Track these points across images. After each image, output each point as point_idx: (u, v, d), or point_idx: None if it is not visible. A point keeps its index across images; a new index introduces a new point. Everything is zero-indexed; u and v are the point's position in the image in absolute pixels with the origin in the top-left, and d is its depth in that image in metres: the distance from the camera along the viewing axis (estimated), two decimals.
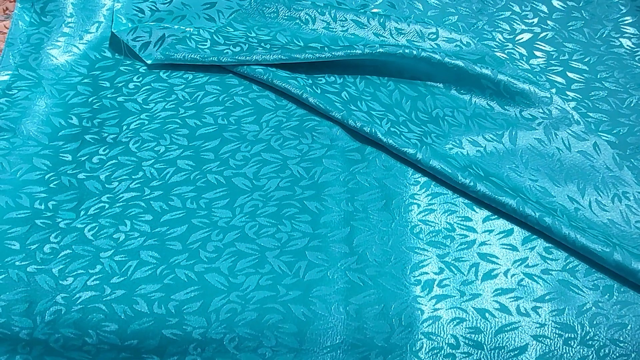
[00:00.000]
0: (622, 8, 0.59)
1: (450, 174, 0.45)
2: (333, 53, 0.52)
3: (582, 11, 0.59)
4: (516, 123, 0.50)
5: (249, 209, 0.46)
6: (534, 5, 0.59)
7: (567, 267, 0.42)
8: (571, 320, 0.39)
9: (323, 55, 0.52)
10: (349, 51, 0.52)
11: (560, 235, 0.41)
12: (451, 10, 0.60)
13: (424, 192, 0.47)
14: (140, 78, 0.56)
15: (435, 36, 0.56)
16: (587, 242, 0.40)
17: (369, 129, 0.48)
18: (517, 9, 0.59)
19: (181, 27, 0.57)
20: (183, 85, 0.55)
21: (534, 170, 0.47)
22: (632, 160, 0.48)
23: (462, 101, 0.52)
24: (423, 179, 0.47)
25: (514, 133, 0.49)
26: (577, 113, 0.50)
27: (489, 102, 0.52)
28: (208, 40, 0.55)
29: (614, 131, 0.50)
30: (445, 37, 0.56)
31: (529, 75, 0.54)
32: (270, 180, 0.48)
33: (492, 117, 0.51)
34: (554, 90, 0.53)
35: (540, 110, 0.50)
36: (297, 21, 0.58)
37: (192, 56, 0.54)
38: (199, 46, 0.55)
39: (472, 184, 0.44)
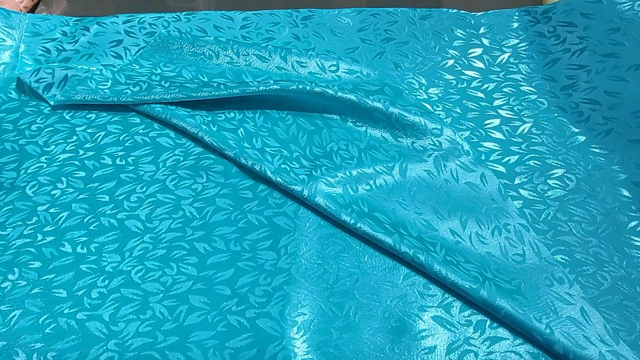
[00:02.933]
0: (521, 34, 0.59)
1: (334, 211, 0.46)
2: (229, 90, 0.53)
3: (482, 38, 0.59)
4: (407, 155, 0.50)
5: (138, 253, 0.47)
6: (436, 34, 0.60)
7: (443, 303, 0.42)
8: (441, 358, 0.40)
9: (219, 93, 0.53)
10: (244, 88, 0.52)
11: (433, 271, 0.42)
12: (355, 40, 0.60)
13: (313, 230, 0.47)
14: (44, 119, 0.56)
15: (335, 68, 0.57)
16: (456, 278, 0.41)
17: (259, 167, 0.49)
18: (420, 38, 0.60)
19: (84, 67, 0.57)
20: (85, 126, 0.55)
21: (420, 203, 0.47)
22: (520, 190, 0.49)
23: (358, 133, 0.53)
24: (313, 217, 0.48)
25: (404, 165, 0.50)
26: (468, 143, 0.51)
27: (383, 134, 0.52)
28: (109, 80, 0.56)
29: (504, 160, 0.51)
30: (346, 69, 0.57)
31: (426, 105, 0.54)
32: (162, 221, 0.48)
33: (385, 149, 0.51)
34: (448, 120, 0.53)
35: (431, 142, 0.51)
36: (201, 57, 0.59)
37: (92, 97, 0.55)
38: (99, 86, 0.55)
39: (352, 221, 0.45)
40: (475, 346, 0.40)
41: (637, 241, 0.45)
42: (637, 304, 0.41)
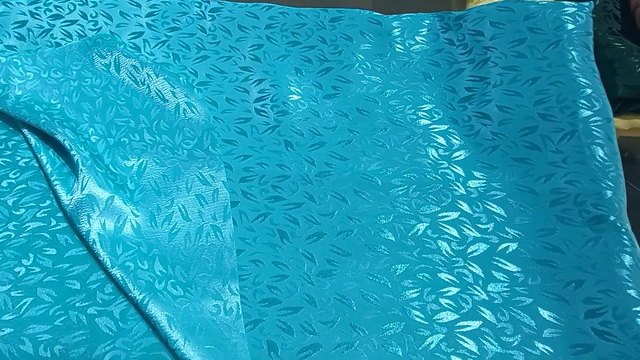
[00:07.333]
0: (431, 40, 0.58)
1: None
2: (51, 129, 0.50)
3: (392, 42, 0.58)
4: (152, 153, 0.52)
5: (0, 240, 0.46)
6: (344, 38, 0.58)
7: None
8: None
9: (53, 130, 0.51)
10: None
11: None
12: (262, 38, 0.59)
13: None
14: None
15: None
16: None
17: None
18: (327, 42, 0.58)
19: None
20: None
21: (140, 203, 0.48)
22: (395, 204, 0.47)
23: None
24: None
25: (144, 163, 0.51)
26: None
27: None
28: None
29: (381, 172, 0.49)
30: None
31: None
32: (28, 210, 0.48)
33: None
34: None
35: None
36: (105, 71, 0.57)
37: None
38: None
39: None
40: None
41: (504, 263, 0.44)
42: None
